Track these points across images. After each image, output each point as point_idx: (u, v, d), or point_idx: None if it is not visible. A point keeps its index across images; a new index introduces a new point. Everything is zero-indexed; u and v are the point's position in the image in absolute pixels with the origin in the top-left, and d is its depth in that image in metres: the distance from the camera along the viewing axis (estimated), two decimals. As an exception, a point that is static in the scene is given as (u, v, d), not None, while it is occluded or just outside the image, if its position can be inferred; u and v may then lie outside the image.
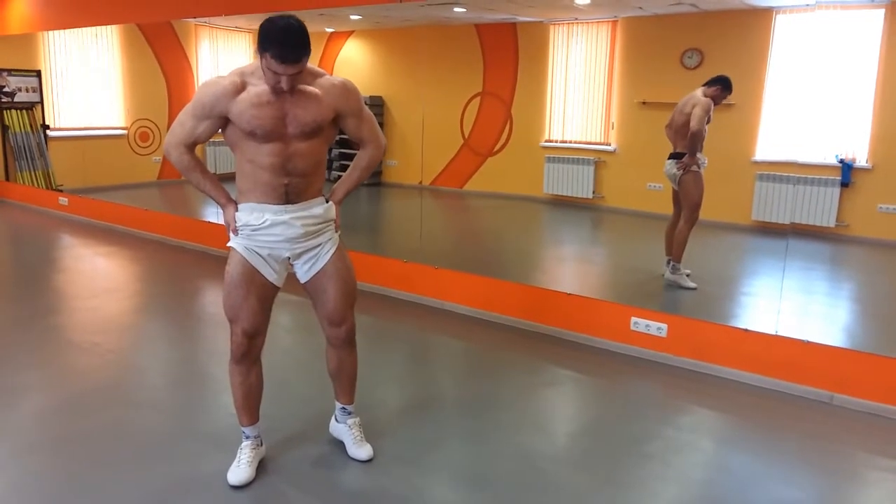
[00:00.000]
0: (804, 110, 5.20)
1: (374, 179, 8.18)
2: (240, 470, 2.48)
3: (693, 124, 4.45)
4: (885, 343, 3.81)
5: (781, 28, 5.28)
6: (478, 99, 7.55)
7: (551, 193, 6.85)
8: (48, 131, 8.30)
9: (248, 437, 2.56)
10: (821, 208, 5.43)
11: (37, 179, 8.32)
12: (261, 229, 2.34)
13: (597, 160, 6.53)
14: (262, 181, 2.29)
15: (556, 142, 6.88)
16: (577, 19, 6.61)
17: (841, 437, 2.98)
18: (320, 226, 2.43)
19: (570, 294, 4.14)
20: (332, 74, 2.40)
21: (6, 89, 8.11)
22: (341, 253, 2.50)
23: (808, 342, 3.36)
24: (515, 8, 6.46)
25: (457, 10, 6.33)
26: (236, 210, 2.36)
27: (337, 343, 2.58)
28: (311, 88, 2.29)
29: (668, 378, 3.56)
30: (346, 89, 2.38)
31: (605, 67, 6.43)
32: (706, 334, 3.63)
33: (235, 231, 2.37)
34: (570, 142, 6.78)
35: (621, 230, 6.53)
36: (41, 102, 8.27)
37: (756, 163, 5.51)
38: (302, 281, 2.50)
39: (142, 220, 6.78)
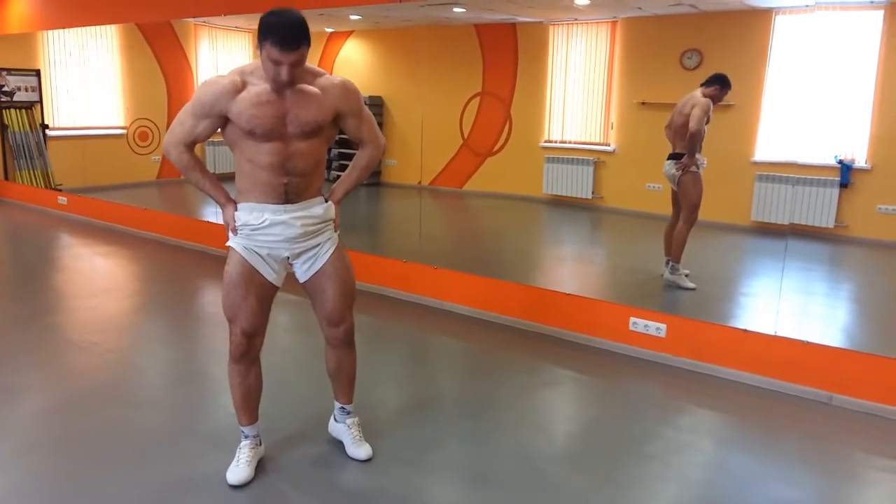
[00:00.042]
0: (803, 111, 5.20)
1: (374, 179, 8.18)
2: (239, 469, 2.47)
3: (692, 125, 4.46)
4: (884, 343, 3.81)
5: (781, 29, 5.28)
6: (477, 99, 7.55)
7: (550, 194, 6.85)
8: (47, 131, 8.29)
9: (247, 437, 2.56)
10: (820, 209, 5.44)
11: (36, 179, 8.31)
12: (260, 229, 2.33)
13: (596, 160, 6.53)
14: (261, 180, 2.29)
15: (556, 142, 6.89)
16: (576, 20, 6.61)
17: (840, 438, 2.98)
18: (319, 225, 2.43)
19: (569, 294, 4.14)
20: (331, 74, 2.41)
21: (5, 88, 8.10)
22: (340, 253, 2.50)
23: (808, 342, 3.36)
24: (515, 8, 6.46)
25: (456, 10, 6.33)
26: (235, 210, 2.36)
27: (336, 343, 2.58)
28: (311, 88, 2.29)
29: (668, 378, 3.56)
30: (346, 89, 2.38)
31: (605, 68, 6.44)
32: (705, 334, 3.63)
33: (235, 230, 2.37)
34: (570, 142, 6.78)
35: (620, 230, 6.53)
36: (40, 102, 8.26)
37: (755, 163, 5.51)
38: (301, 280, 2.50)
39: (141, 220, 6.78)
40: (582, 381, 3.59)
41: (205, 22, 6.90)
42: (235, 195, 2.38)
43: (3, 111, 8.14)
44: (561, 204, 6.81)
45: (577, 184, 6.63)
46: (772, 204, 5.42)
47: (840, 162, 5.39)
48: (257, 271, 2.38)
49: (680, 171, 4.58)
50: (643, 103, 6.10)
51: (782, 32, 5.28)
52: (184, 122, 2.29)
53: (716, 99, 4.50)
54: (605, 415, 3.19)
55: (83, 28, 7.65)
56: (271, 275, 2.40)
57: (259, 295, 2.39)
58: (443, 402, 3.28)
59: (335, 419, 2.76)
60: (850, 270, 5.50)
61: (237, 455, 2.52)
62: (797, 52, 5.23)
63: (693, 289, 4.56)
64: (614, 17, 6.32)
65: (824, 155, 5.45)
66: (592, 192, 6.57)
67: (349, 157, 2.61)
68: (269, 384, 2.63)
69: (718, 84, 4.49)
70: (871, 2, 5.19)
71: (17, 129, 8.22)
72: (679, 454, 2.80)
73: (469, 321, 4.38)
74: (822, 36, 5.02)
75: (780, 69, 5.30)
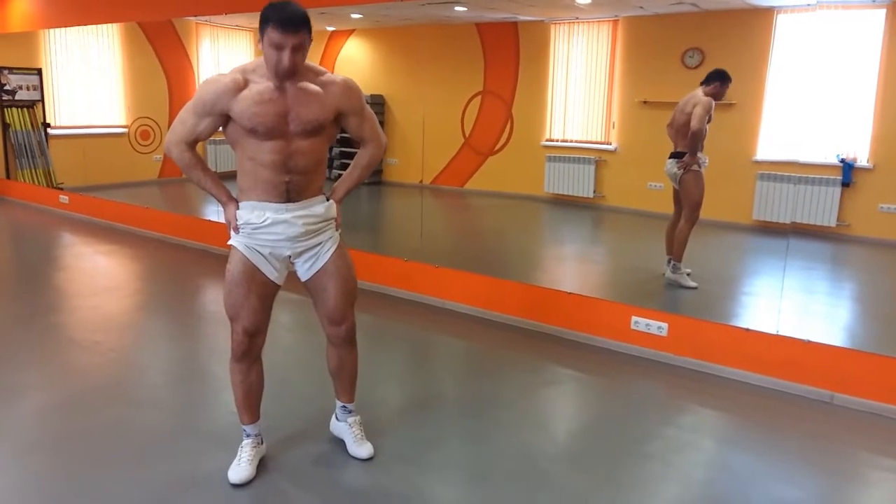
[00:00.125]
0: (805, 110, 5.20)
1: (375, 178, 8.18)
2: (240, 468, 2.48)
3: (694, 123, 4.45)
4: (885, 343, 3.81)
5: (782, 28, 5.28)
6: (479, 98, 7.55)
7: (552, 192, 6.85)
8: (49, 129, 8.30)
9: (248, 436, 2.56)
10: (822, 208, 5.43)
11: (37, 177, 8.32)
12: (262, 228, 2.33)
13: (597, 159, 6.52)
14: (262, 179, 2.29)
15: (557, 141, 6.88)
16: (577, 18, 6.61)
17: (842, 437, 2.98)
18: (321, 224, 2.43)
19: (570, 293, 4.14)
20: (333, 73, 2.40)
21: (7, 87, 8.11)
22: (342, 251, 2.50)
23: (809, 342, 3.36)
24: (516, 7, 6.45)
25: (458, 9, 6.33)
26: (237, 208, 2.36)
27: (337, 341, 2.58)
28: (312, 86, 2.29)
29: (669, 377, 3.56)
30: (348, 88, 2.38)
31: (606, 67, 6.43)
32: (707, 334, 3.63)
33: (237, 229, 2.37)
34: (571, 141, 6.78)
35: (622, 229, 6.53)
36: (42, 100, 8.27)
37: (757, 162, 5.50)
38: (302, 279, 2.50)
39: (142, 219, 6.78)
40: (583, 380, 3.59)
41: (206, 21, 6.90)
42: (237, 194, 2.38)
43: (5, 110, 8.14)
44: (562, 203, 6.81)
45: (578, 183, 6.62)
46: (773, 203, 5.42)
47: (842, 161, 5.39)
48: (259, 270, 2.38)
49: (682, 170, 4.58)
50: (645, 102, 6.09)
51: (784, 31, 5.28)
52: (185, 120, 2.29)
53: (718, 95, 4.49)
54: (606, 414, 3.18)
55: (85, 27, 7.65)
56: (273, 273, 2.40)
57: (261, 294, 2.39)
58: (444, 400, 3.28)
59: (336, 418, 2.76)
60: (852, 269, 5.50)
61: (239, 454, 2.53)
62: (799, 51, 5.22)
63: (695, 288, 4.56)
64: (616, 16, 6.31)
65: (826, 154, 5.44)
66: (594, 191, 6.57)
67: (350, 155, 2.61)
68: (270, 383, 2.63)
69: (718, 80, 4.49)
70: (873, 1, 5.18)
71: (18, 127, 8.23)
72: (680, 453, 2.79)
73: (470, 320, 4.38)
74: (824, 35, 5.02)
75: (782, 68, 5.30)
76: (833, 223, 5.41)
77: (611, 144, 6.45)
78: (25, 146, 8.27)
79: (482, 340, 4.08)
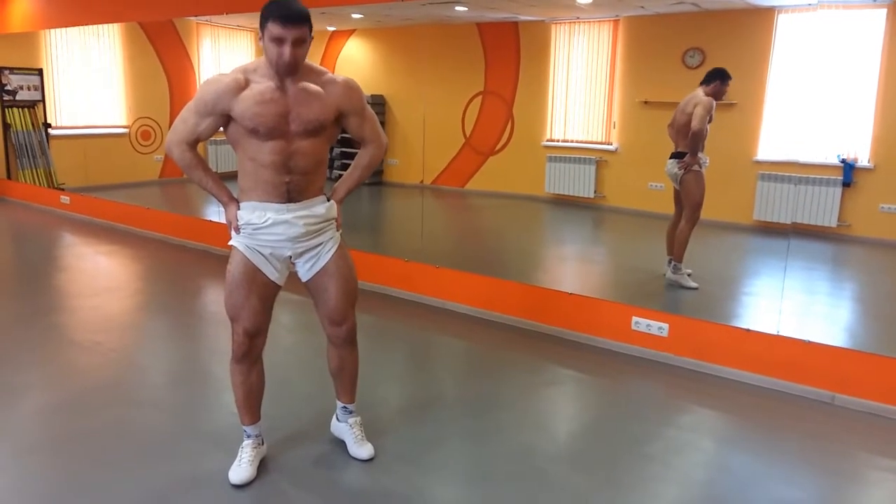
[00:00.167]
0: (806, 110, 5.19)
1: (376, 178, 8.18)
2: (241, 469, 2.48)
3: (694, 124, 4.45)
4: (886, 343, 3.81)
5: (783, 27, 5.28)
6: (479, 98, 7.55)
7: (553, 193, 6.85)
8: (50, 130, 8.30)
9: (249, 436, 2.56)
10: (822, 208, 5.43)
11: (38, 178, 8.32)
12: (262, 228, 2.33)
13: (598, 159, 6.52)
14: (263, 179, 2.29)
15: (558, 141, 6.88)
16: (578, 18, 6.61)
17: (842, 438, 2.98)
18: (322, 225, 2.43)
19: (571, 294, 4.14)
20: (334, 73, 2.41)
21: (8, 87, 8.11)
22: (343, 252, 2.50)
23: (810, 342, 3.35)
24: (517, 7, 6.45)
25: (458, 8, 6.33)
26: (238, 209, 2.36)
27: (338, 342, 2.58)
28: (313, 86, 2.29)
29: (670, 378, 3.56)
30: (349, 88, 2.38)
31: (607, 67, 6.43)
32: (707, 334, 3.63)
33: (237, 229, 2.37)
34: (572, 141, 6.78)
35: (622, 230, 6.53)
36: (43, 101, 8.27)
37: (758, 162, 5.50)
38: (303, 280, 2.50)
39: (143, 219, 6.78)
40: (584, 380, 3.59)
41: (207, 21, 6.91)
42: (238, 194, 2.38)
43: (6, 110, 8.15)
44: (563, 203, 6.81)
45: (579, 183, 6.63)
46: (774, 203, 5.42)
47: (843, 161, 5.38)
48: (260, 270, 2.38)
49: (682, 170, 4.58)
50: (645, 102, 6.09)
51: (785, 31, 5.27)
52: (186, 120, 2.29)
53: (719, 94, 4.49)
54: (606, 414, 3.19)
55: (86, 27, 7.65)
56: (274, 274, 2.40)
57: (261, 294, 2.40)
58: (445, 401, 3.28)
59: (337, 418, 2.76)
60: (853, 270, 5.50)
61: (239, 454, 2.53)
62: (800, 51, 5.22)
63: (695, 288, 4.56)
64: (616, 16, 6.31)
65: (827, 154, 5.44)
66: (595, 192, 6.57)
67: (351, 156, 2.61)
68: (271, 383, 2.63)
69: (718, 79, 4.48)
70: (874, 0, 5.18)
71: (19, 128, 8.23)
72: (680, 454, 2.80)
73: (471, 320, 4.38)
74: (825, 35, 5.01)
75: (783, 68, 5.30)
76: (834, 223, 5.41)
77: (611, 144, 6.45)
78: (26, 146, 8.28)
79: (483, 341, 4.08)
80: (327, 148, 2.43)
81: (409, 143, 7.85)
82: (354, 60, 8.28)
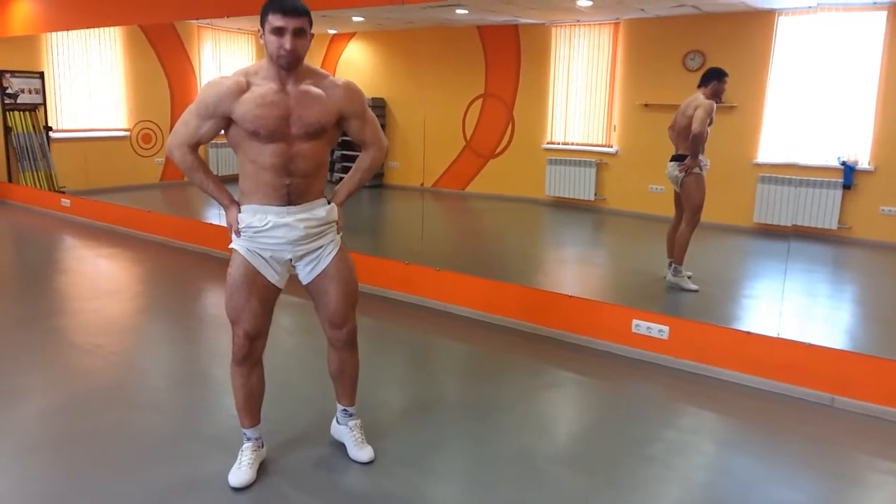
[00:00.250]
0: (806, 112, 5.20)
1: (376, 181, 8.19)
2: (241, 472, 2.48)
3: (695, 126, 4.45)
4: (886, 345, 3.81)
5: (783, 30, 5.29)
6: (480, 101, 7.56)
7: (553, 195, 6.86)
8: (51, 133, 8.31)
9: (249, 439, 2.56)
10: (823, 210, 5.43)
11: (39, 181, 8.33)
12: (263, 231, 2.34)
13: (598, 162, 6.53)
14: (263, 182, 2.30)
15: (558, 144, 6.89)
16: (578, 21, 6.62)
17: (842, 440, 2.97)
18: (322, 227, 2.43)
19: (571, 296, 4.14)
20: (335, 76, 2.41)
21: (9, 91, 8.13)
22: (343, 254, 2.51)
23: (810, 345, 3.35)
24: (517, 10, 6.46)
25: (459, 12, 6.34)
26: (239, 211, 2.37)
27: (338, 345, 2.58)
28: (315, 89, 2.30)
29: (670, 380, 3.56)
30: (351, 91, 2.38)
31: (607, 69, 6.44)
32: (708, 336, 3.63)
33: (238, 232, 2.37)
34: (572, 144, 6.79)
35: (623, 232, 6.53)
36: (44, 104, 8.29)
37: (758, 165, 5.51)
38: (304, 282, 2.50)
39: (144, 222, 6.79)
40: (584, 383, 3.59)
41: (208, 24, 6.92)
42: (238, 197, 2.39)
43: (7, 113, 8.16)
44: (563, 206, 6.81)
45: (579, 186, 6.63)
46: (774, 205, 5.42)
47: (843, 163, 5.39)
48: (260, 273, 2.38)
49: (683, 173, 4.58)
50: (646, 105, 6.10)
51: (785, 34, 5.28)
52: (188, 122, 2.30)
53: (719, 93, 4.48)
54: (607, 417, 3.18)
55: (87, 30, 7.67)
56: (274, 277, 2.41)
57: (262, 297, 2.40)
58: (445, 404, 3.28)
59: (337, 421, 2.76)
60: (853, 272, 5.50)
61: (239, 457, 2.53)
62: (800, 54, 5.23)
63: (696, 291, 4.56)
64: (616, 19, 6.32)
65: (827, 156, 5.44)
66: (595, 194, 6.57)
67: (351, 159, 2.62)
68: (271, 386, 2.64)
69: (714, 78, 4.48)
70: (874, 3, 5.19)
71: (20, 131, 8.24)
72: (681, 456, 2.79)
73: (471, 323, 4.38)
74: (825, 37, 5.02)
75: (783, 70, 5.31)
76: (834, 226, 5.41)
77: (612, 147, 6.45)
78: (27, 149, 8.29)
79: (483, 344, 4.08)
80: (328, 151, 2.44)
81: (409, 146, 7.86)
82: (355, 63, 8.30)
